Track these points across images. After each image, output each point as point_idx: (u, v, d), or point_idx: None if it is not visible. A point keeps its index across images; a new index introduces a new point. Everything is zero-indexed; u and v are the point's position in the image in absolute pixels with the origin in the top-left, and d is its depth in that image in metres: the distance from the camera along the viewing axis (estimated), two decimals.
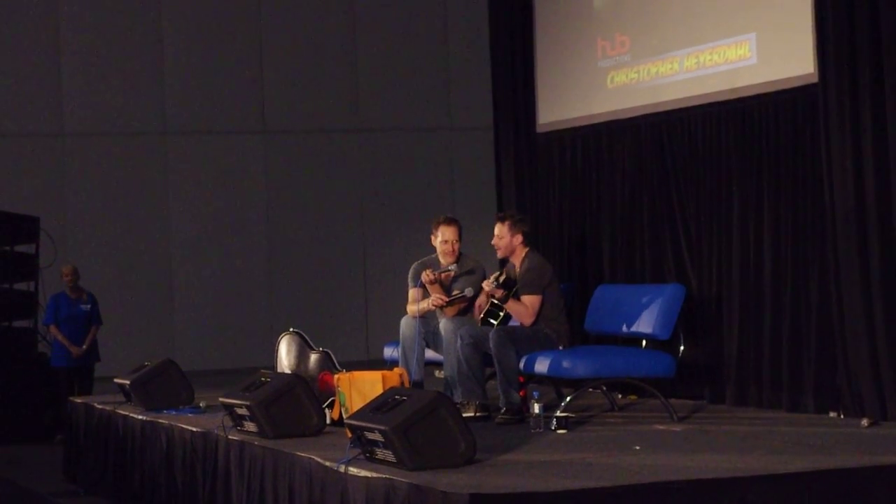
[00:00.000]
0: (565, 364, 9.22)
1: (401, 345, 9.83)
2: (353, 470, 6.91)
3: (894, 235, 8.78)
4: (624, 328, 9.95)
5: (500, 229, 9.83)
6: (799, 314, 9.60)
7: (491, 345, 9.31)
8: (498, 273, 9.70)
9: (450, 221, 10.04)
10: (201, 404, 10.16)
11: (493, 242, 9.89)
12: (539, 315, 9.57)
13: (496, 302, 9.61)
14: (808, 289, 9.52)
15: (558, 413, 8.73)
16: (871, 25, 8.88)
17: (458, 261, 9.97)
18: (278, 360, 9.55)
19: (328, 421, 8.63)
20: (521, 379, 9.50)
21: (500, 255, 9.91)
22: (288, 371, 9.32)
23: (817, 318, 9.43)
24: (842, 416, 9.06)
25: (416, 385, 9.41)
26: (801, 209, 9.60)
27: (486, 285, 9.65)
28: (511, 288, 9.59)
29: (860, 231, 8.96)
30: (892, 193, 8.78)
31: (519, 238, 9.81)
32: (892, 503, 6.59)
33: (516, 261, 9.83)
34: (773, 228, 9.83)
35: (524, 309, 9.57)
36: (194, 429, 9.05)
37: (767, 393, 9.78)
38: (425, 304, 9.87)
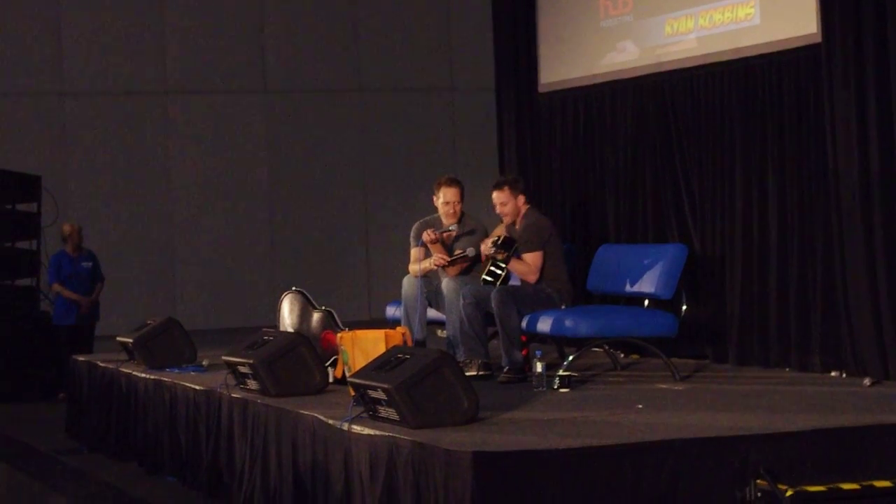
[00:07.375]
0: (568, 323, 9.22)
1: (403, 304, 9.84)
2: (356, 428, 6.92)
3: None
4: (626, 288, 9.95)
5: (500, 196, 9.74)
6: (804, 274, 9.61)
7: (493, 304, 9.31)
8: (496, 237, 9.64)
9: (452, 182, 10.03)
10: (204, 363, 10.17)
11: (497, 211, 9.81)
12: (541, 274, 9.57)
13: (498, 262, 9.59)
14: (812, 248, 9.53)
15: (561, 372, 8.73)
16: None
17: (459, 221, 9.97)
18: (281, 318, 9.55)
19: (331, 379, 8.65)
20: (524, 338, 9.50)
21: (507, 221, 9.81)
22: (290, 330, 9.32)
23: (822, 278, 9.44)
24: (844, 376, 9.09)
25: (419, 344, 9.43)
26: (804, 169, 9.60)
27: (485, 248, 9.62)
28: (511, 247, 9.56)
29: (864, 190, 8.95)
30: (895, 153, 8.77)
31: (522, 199, 9.79)
32: (894, 461, 6.61)
33: (517, 219, 9.81)
34: (776, 188, 9.82)
35: (527, 267, 9.56)
36: (197, 387, 9.06)
37: (774, 352, 9.80)
38: (427, 264, 9.88)
